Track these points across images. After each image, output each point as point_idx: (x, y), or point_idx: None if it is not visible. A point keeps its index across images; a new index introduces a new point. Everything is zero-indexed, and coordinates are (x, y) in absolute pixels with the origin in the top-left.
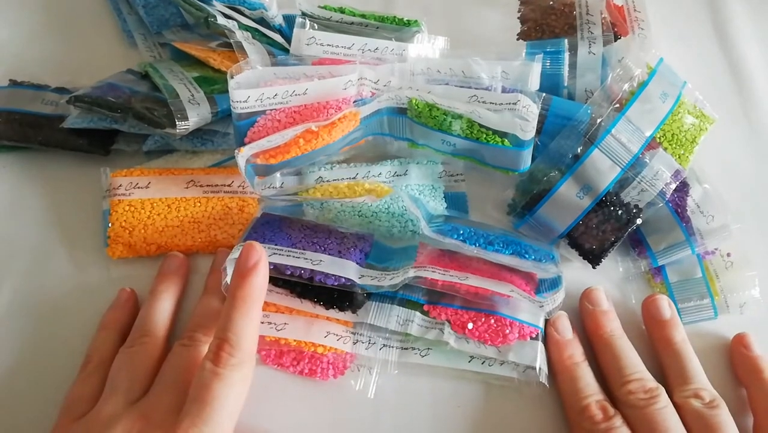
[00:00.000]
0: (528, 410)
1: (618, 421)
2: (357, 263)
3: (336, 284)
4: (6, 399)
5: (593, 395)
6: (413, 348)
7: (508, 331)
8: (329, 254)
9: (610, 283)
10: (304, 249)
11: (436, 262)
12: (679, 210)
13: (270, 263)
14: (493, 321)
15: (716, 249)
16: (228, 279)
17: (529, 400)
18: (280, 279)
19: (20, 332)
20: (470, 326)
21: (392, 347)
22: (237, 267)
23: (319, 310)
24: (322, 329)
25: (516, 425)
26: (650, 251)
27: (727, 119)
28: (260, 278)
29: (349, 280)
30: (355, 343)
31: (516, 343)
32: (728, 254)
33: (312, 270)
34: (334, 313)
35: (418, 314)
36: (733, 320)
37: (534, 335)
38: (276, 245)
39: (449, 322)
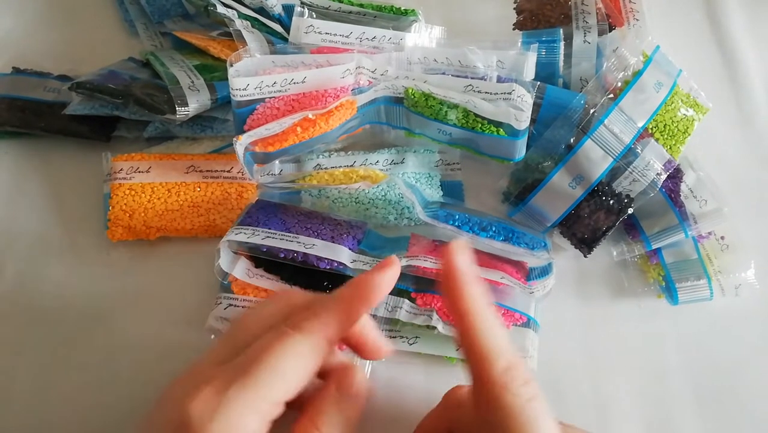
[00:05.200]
0: None
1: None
2: (349, 249)
3: (328, 267)
4: (8, 381)
5: (510, 349)
6: (401, 336)
7: None
8: (322, 239)
9: (602, 269)
10: (297, 234)
11: (428, 253)
12: (673, 195)
13: (263, 246)
14: None
15: (710, 233)
16: (220, 261)
17: None
18: (271, 265)
19: (22, 315)
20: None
21: None
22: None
23: None
24: None
25: None
26: (644, 235)
27: (720, 108)
28: (382, 276)
29: (341, 264)
30: None
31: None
32: (722, 237)
33: (305, 253)
34: None
35: (406, 301)
36: (728, 302)
37: (522, 322)
38: (270, 229)
39: (436, 310)
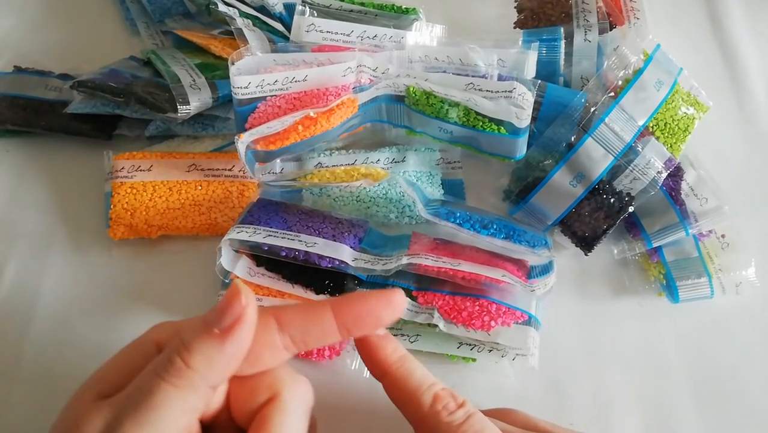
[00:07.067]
0: (518, 387)
1: (471, 406)
2: (351, 247)
3: (330, 265)
4: (8, 379)
5: (435, 383)
6: (402, 334)
7: (487, 317)
8: (324, 238)
9: (603, 267)
10: (298, 233)
11: (429, 251)
12: (673, 193)
13: (264, 245)
14: (477, 306)
15: (711, 231)
16: (222, 260)
17: (520, 378)
18: (273, 263)
19: (22, 313)
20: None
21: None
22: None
23: (310, 295)
24: None
25: (507, 402)
26: (645, 233)
27: (720, 106)
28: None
29: (342, 262)
30: None
31: (506, 327)
32: (723, 236)
33: (306, 252)
34: (324, 298)
35: (407, 299)
36: (729, 301)
37: (524, 320)
38: (271, 227)
39: (437, 308)
